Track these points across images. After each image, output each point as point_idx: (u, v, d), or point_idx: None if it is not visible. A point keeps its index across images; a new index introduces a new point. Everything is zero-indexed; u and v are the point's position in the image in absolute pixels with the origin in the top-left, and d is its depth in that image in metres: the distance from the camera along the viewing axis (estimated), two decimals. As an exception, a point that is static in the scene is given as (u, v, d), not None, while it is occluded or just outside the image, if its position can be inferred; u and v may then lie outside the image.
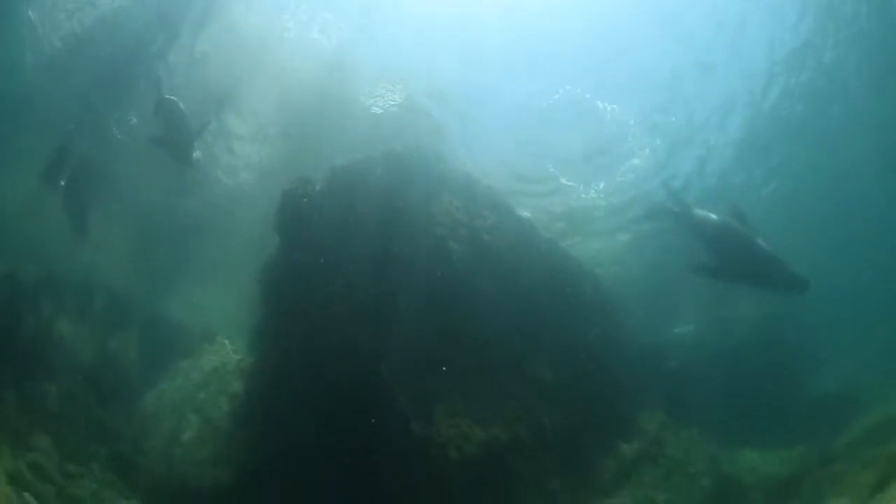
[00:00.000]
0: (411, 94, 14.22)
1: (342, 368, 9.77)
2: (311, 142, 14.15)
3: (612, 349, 12.10)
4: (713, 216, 9.52)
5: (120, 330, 14.09)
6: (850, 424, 10.95)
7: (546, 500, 9.49)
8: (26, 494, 8.59)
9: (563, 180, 16.41)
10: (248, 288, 11.35)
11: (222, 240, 16.28)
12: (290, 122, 14.64)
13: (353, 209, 10.99)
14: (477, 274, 10.75)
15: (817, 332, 15.49)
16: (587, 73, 15.03)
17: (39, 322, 12.43)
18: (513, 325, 10.67)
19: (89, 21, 13.05)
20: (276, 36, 13.65)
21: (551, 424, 10.13)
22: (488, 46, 14.00)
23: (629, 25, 14.13)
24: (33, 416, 10.62)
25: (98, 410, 11.78)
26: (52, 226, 14.37)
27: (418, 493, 8.91)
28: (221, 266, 16.54)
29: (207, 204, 15.70)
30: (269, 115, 14.80)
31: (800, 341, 15.33)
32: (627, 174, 16.84)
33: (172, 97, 11.11)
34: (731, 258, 9.08)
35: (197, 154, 11.21)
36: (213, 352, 13.35)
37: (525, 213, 13.04)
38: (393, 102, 14.18)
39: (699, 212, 9.77)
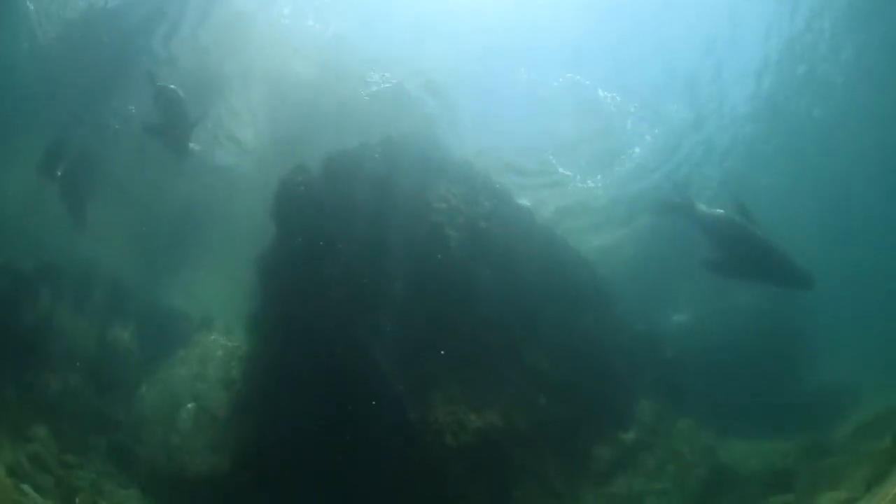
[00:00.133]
0: (408, 82, 14.07)
1: (339, 356, 9.79)
2: (308, 130, 14.05)
3: (609, 337, 12.10)
4: (720, 212, 9.54)
5: (118, 319, 14.10)
6: (847, 418, 10.97)
7: (542, 488, 9.56)
8: (25, 486, 8.61)
9: (562, 170, 16.28)
10: (245, 275, 11.34)
11: (220, 227, 16.29)
12: (287, 111, 14.53)
13: (349, 196, 10.97)
14: (474, 261, 10.76)
15: (816, 325, 15.48)
16: (587, 61, 14.87)
17: (38, 313, 12.44)
18: (510, 313, 10.67)
19: (85, 11, 12.88)
20: (272, 23, 13.44)
21: (548, 412, 10.17)
22: (486, 33, 13.87)
23: (630, 13, 13.92)
24: (32, 407, 10.67)
25: (97, 400, 11.83)
26: (49, 217, 14.32)
27: (415, 480, 8.96)
28: (219, 254, 16.56)
29: (205, 192, 15.64)
30: (265, 103, 14.68)
31: (798, 333, 15.33)
32: (627, 163, 16.74)
33: (172, 85, 11.00)
34: (739, 254, 9.11)
35: (192, 144, 11.16)
36: (211, 340, 13.35)
37: (523, 201, 12.96)
38: (390, 90, 14.03)
39: (706, 208, 9.78)
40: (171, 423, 11.51)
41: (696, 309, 16.84)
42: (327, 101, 14.09)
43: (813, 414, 11.49)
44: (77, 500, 8.94)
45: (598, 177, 16.75)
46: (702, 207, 9.89)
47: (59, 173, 13.42)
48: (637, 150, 16.65)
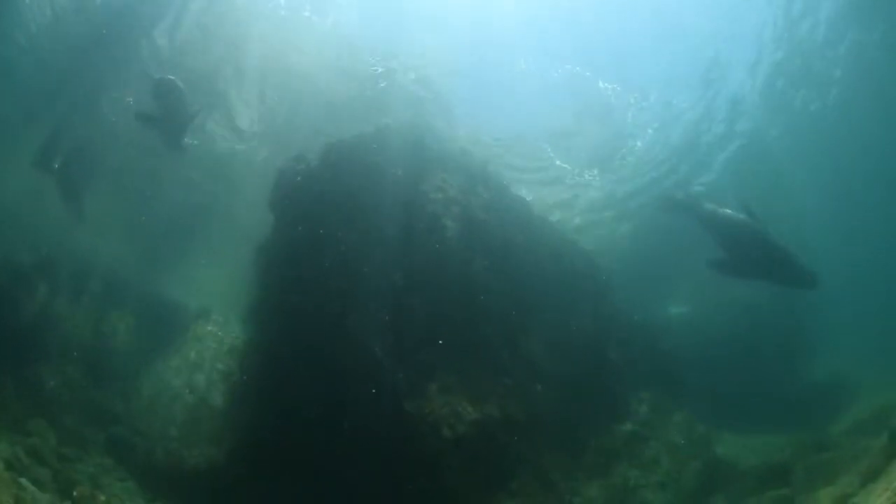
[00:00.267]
0: (406, 73, 13.92)
1: (336, 346, 9.78)
2: (305, 120, 13.93)
3: (605, 328, 12.09)
4: (727, 211, 9.49)
5: (116, 311, 14.10)
6: (844, 414, 10.97)
7: (539, 480, 9.59)
8: (23, 480, 8.62)
9: (559, 162, 16.12)
10: (242, 266, 11.31)
11: (217, 218, 16.22)
12: (285, 102, 14.40)
13: (347, 187, 10.92)
14: (471, 251, 10.71)
15: (815, 320, 15.45)
16: (588, 52, 14.60)
17: (36, 307, 12.43)
18: (507, 303, 10.64)
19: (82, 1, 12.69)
20: (269, 15, 13.29)
21: (544, 403, 10.17)
22: (485, 24, 13.67)
23: (631, 3, 13.67)
24: (30, 401, 10.70)
25: (94, 393, 11.87)
26: (47, 210, 14.25)
27: (411, 471, 8.97)
28: (216, 244, 16.51)
29: (203, 183, 15.55)
30: (263, 94, 14.55)
31: (797, 328, 15.32)
32: (628, 156, 16.57)
33: (171, 77, 10.88)
34: (746, 254, 9.08)
35: (188, 139, 11.08)
36: (208, 331, 13.35)
37: (520, 192, 12.88)
38: (388, 81, 13.86)
39: (712, 207, 9.72)
40: (168, 416, 11.57)
41: (695, 302, 16.84)
42: (325, 91, 13.97)
43: (810, 409, 11.48)
44: (75, 494, 8.93)
45: (595, 171, 16.59)
46: (708, 206, 9.82)
47: (56, 166, 13.32)
48: (639, 143, 16.48)
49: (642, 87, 15.50)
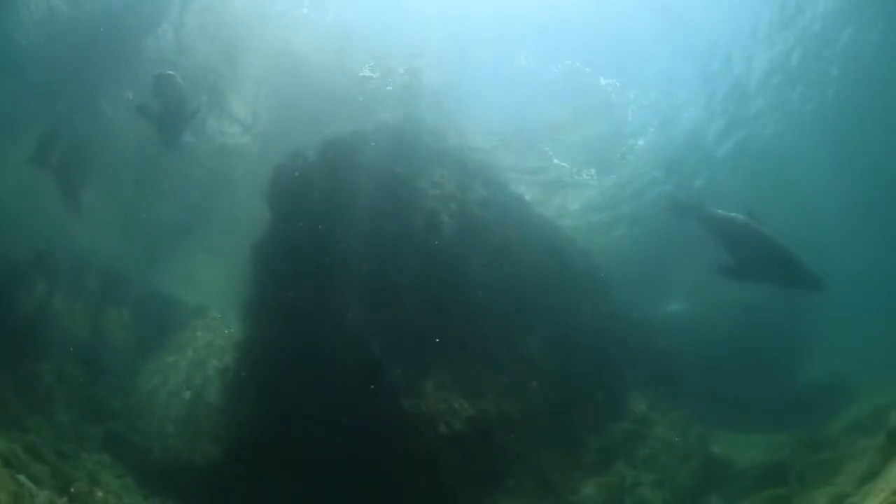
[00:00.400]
0: (404, 68, 13.83)
1: (333, 343, 9.77)
2: (303, 116, 13.88)
3: (603, 326, 12.06)
4: (733, 215, 9.51)
5: (113, 307, 14.11)
6: (842, 413, 10.94)
7: (535, 477, 9.60)
8: (21, 477, 8.63)
9: (557, 161, 16.02)
10: (240, 262, 11.29)
11: (215, 214, 16.20)
12: (283, 98, 14.36)
13: (345, 183, 10.89)
14: (468, 247, 10.70)
15: (814, 320, 15.42)
16: (588, 48, 14.47)
17: (33, 303, 12.42)
18: (504, 300, 10.63)
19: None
20: (266, 11, 13.21)
21: (541, 401, 10.17)
22: (484, 19, 13.56)
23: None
24: (28, 398, 10.71)
25: (92, 389, 11.88)
26: (44, 206, 14.24)
27: (407, 467, 8.98)
28: (215, 240, 16.49)
29: (201, 178, 15.53)
30: (261, 91, 14.51)
31: (794, 327, 15.29)
32: (628, 155, 16.48)
33: (171, 72, 10.85)
34: (752, 257, 9.10)
35: (186, 137, 11.09)
36: (206, 327, 13.34)
37: (518, 189, 12.84)
38: (386, 77, 13.78)
39: (718, 211, 9.71)
40: (166, 412, 11.57)
41: (693, 300, 16.79)
42: (323, 88, 13.90)
43: (808, 408, 11.45)
44: (72, 490, 8.95)
45: (593, 171, 16.50)
46: (713, 210, 9.81)
47: (54, 161, 13.30)
48: (639, 142, 16.38)
49: (642, 84, 15.43)
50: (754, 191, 16.24)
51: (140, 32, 13.08)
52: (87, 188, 14.16)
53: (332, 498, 9.21)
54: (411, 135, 11.81)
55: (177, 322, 13.89)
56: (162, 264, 16.76)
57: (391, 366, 9.67)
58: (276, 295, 10.72)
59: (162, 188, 15.52)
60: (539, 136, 15.63)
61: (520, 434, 9.72)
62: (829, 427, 10.29)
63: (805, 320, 15.23)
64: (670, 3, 13.53)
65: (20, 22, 12.48)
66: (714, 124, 16.08)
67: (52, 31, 12.73)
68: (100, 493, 9.06)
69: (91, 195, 14.48)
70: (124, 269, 15.38)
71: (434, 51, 13.77)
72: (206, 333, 13.10)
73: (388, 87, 13.70)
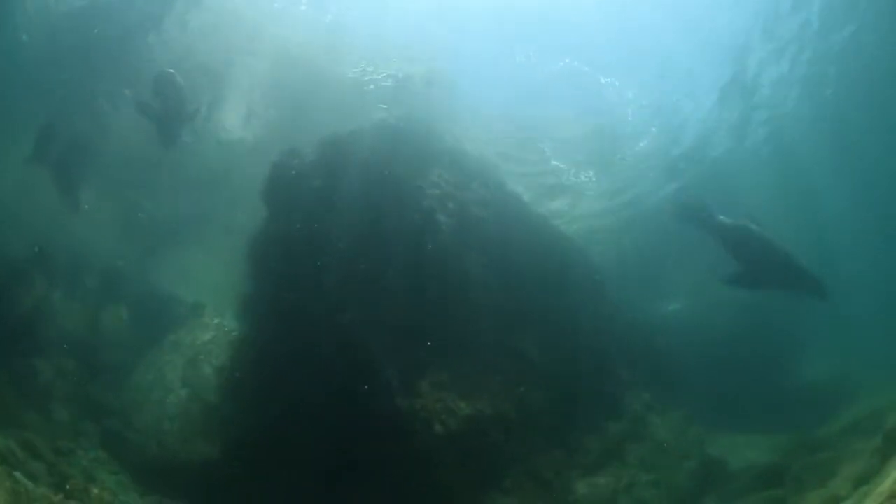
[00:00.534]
0: (402, 67, 13.82)
1: (329, 341, 9.76)
2: (301, 114, 13.87)
3: (600, 326, 12.05)
4: (739, 222, 9.53)
5: (111, 304, 14.10)
6: (838, 414, 10.92)
7: (531, 477, 9.59)
8: (17, 473, 8.64)
9: (555, 162, 15.92)
10: (237, 260, 11.28)
11: (213, 211, 16.19)
12: (281, 95, 14.35)
13: (342, 181, 10.87)
14: (465, 247, 10.69)
15: (810, 320, 15.39)
16: (589, 46, 14.38)
17: (30, 300, 12.42)
18: (501, 299, 10.61)
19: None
20: (264, 8, 13.16)
21: (537, 400, 10.15)
22: (482, 17, 13.51)
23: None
24: (25, 394, 10.72)
25: (89, 386, 11.87)
26: (41, 202, 14.23)
27: (403, 467, 8.98)
28: (212, 238, 16.47)
29: (199, 176, 15.51)
30: (259, 88, 14.48)
31: (792, 328, 15.26)
32: (627, 155, 16.38)
33: (171, 70, 10.85)
34: (758, 264, 9.13)
35: (184, 137, 11.11)
36: (203, 324, 13.34)
37: (516, 189, 12.80)
38: (383, 75, 13.76)
39: (724, 218, 9.71)
40: (162, 410, 11.57)
41: (690, 300, 16.75)
42: (321, 86, 13.88)
43: (805, 410, 11.43)
44: (68, 487, 8.96)
45: (591, 172, 16.42)
46: (719, 217, 9.81)
47: (52, 158, 13.29)
48: (639, 143, 16.28)
49: (642, 83, 15.37)
50: (754, 191, 16.22)
51: (139, 30, 13.06)
52: (85, 185, 14.15)
53: (327, 497, 9.23)
54: (409, 133, 11.79)
55: (174, 320, 13.89)
56: (159, 262, 16.74)
57: (387, 365, 9.68)
58: (272, 293, 10.73)
59: (160, 186, 15.52)
60: (537, 135, 15.57)
61: (516, 434, 9.72)
62: (826, 428, 10.28)
63: (803, 321, 15.21)
64: (670, 2, 13.51)
65: (19, 19, 12.46)
66: (714, 125, 16.02)
67: (51, 28, 12.71)
68: (95, 491, 9.07)
69: (89, 192, 14.47)
70: (122, 266, 15.36)
71: (432, 49, 13.76)
72: (203, 331, 13.10)
73: (385, 86, 13.67)
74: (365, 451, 9.13)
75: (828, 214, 18.19)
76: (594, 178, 16.59)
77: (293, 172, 11.18)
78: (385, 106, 12.92)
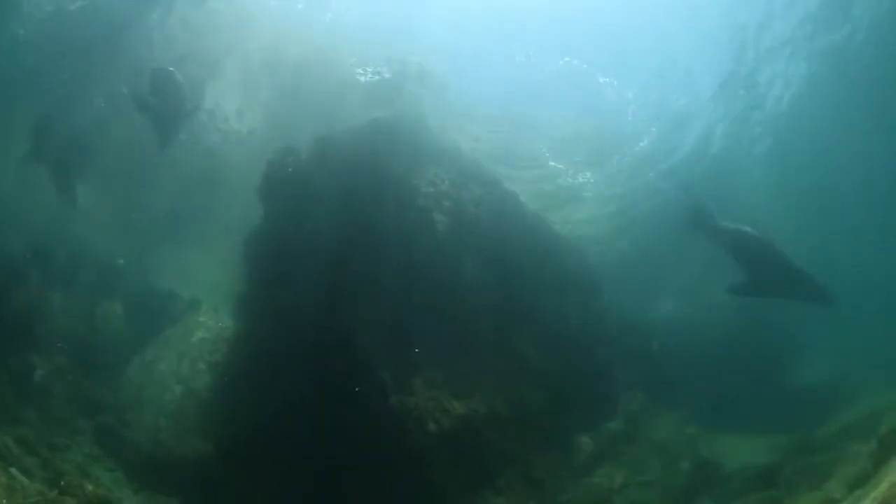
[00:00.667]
0: (400, 65, 13.75)
1: (323, 340, 9.76)
2: (297, 112, 13.82)
3: (595, 326, 12.00)
4: (745, 230, 9.45)
5: (107, 300, 14.13)
6: (833, 417, 10.83)
7: (524, 477, 9.57)
8: (13, 469, 8.68)
9: (553, 163, 15.78)
10: (233, 257, 11.29)
11: (209, 208, 16.18)
12: (278, 94, 14.31)
13: (338, 179, 10.85)
14: (461, 246, 10.68)
15: (807, 321, 15.26)
16: (588, 45, 14.24)
17: (27, 296, 12.48)
18: (495, 299, 10.59)
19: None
20: (261, 6, 13.14)
21: (531, 400, 10.14)
22: (481, 15, 13.43)
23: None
24: (20, 390, 10.77)
25: (84, 382, 11.92)
26: (38, 198, 14.26)
27: (396, 465, 8.97)
28: (208, 234, 16.48)
29: (195, 173, 15.50)
30: (256, 86, 14.44)
31: (787, 330, 15.14)
32: (628, 156, 16.23)
33: (170, 68, 10.84)
34: (765, 274, 9.08)
35: (180, 134, 11.11)
36: (198, 321, 13.33)
37: (513, 189, 12.72)
38: (381, 74, 13.70)
39: (730, 225, 9.64)
40: (157, 406, 11.61)
41: (686, 301, 16.61)
42: (318, 84, 13.82)
43: (799, 411, 11.34)
44: (62, 483, 8.99)
45: (588, 174, 16.30)
46: (727, 225, 9.72)
47: (49, 154, 13.31)
48: (639, 143, 16.10)
49: (642, 83, 15.24)
50: (754, 191, 16.09)
51: (136, 27, 13.03)
52: (82, 181, 14.16)
53: (321, 494, 9.24)
54: (406, 132, 11.76)
55: (169, 316, 13.90)
56: (156, 258, 16.76)
57: (381, 363, 9.66)
58: (268, 291, 10.72)
59: (157, 183, 15.52)
60: (535, 134, 15.44)
61: (510, 433, 9.71)
62: (821, 430, 10.19)
63: (800, 322, 15.08)
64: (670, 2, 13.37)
65: (15, 16, 12.46)
66: (714, 124, 15.88)
67: (48, 25, 12.70)
68: (90, 487, 9.06)
69: (86, 188, 14.48)
70: (118, 262, 15.39)
71: (430, 48, 13.67)
72: (199, 328, 13.10)
73: (383, 85, 13.59)
74: (358, 448, 9.14)
75: (827, 214, 18.00)
76: (592, 180, 16.45)
77: (289, 170, 11.16)
78: (381, 104, 12.84)
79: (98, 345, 13.10)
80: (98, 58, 12.96)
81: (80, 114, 13.71)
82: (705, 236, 10.27)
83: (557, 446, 9.92)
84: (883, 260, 19.04)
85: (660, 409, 10.68)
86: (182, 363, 12.16)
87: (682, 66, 14.78)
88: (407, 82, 13.20)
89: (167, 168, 14.46)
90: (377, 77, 13.50)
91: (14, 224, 13.80)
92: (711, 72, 14.53)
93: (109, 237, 15.99)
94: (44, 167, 13.30)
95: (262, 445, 9.69)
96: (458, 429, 9.35)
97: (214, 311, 13.66)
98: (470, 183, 11.46)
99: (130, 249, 15.96)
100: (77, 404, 11.43)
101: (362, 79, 13.58)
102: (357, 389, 9.50)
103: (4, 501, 7.37)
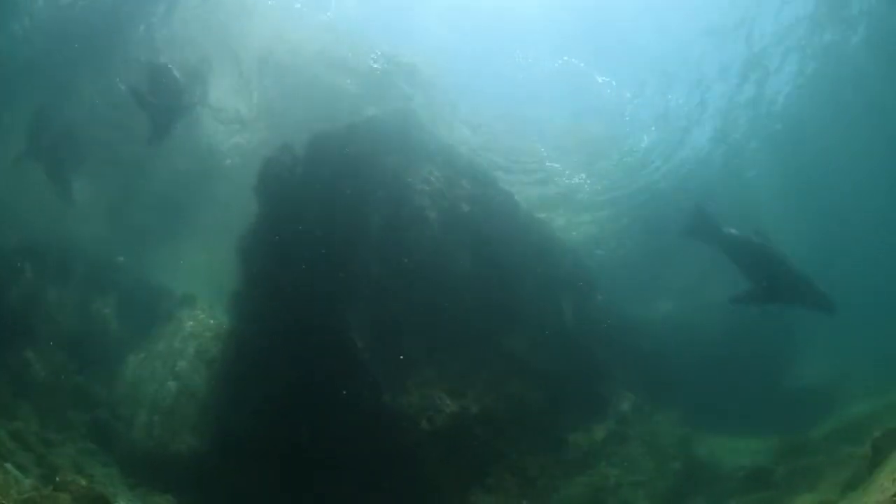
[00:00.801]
0: (397, 64, 13.72)
1: (317, 337, 9.76)
2: (296, 110, 13.79)
3: (588, 326, 11.98)
4: (749, 237, 9.40)
5: (102, 296, 14.12)
6: (828, 419, 10.80)
7: (516, 475, 9.55)
8: (7, 465, 8.70)
9: (549, 163, 15.70)
10: (228, 253, 11.28)
11: (205, 205, 16.17)
12: (276, 91, 14.28)
13: (333, 177, 10.85)
14: (454, 244, 10.66)
15: (803, 324, 15.21)
16: (586, 44, 14.13)
17: (21, 291, 12.48)
18: (489, 297, 10.57)
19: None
20: (261, 7, 13.10)
21: (524, 399, 10.12)
22: (479, 16, 13.37)
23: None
24: (15, 385, 10.78)
25: (79, 378, 11.93)
26: (32, 194, 14.26)
27: (389, 462, 8.97)
28: (203, 230, 16.48)
29: (191, 169, 15.49)
30: (253, 84, 14.40)
31: (784, 330, 15.07)
32: (626, 156, 16.13)
33: (168, 64, 10.82)
34: (769, 282, 9.03)
35: (176, 130, 11.12)
36: (193, 317, 13.31)
37: (509, 188, 12.68)
38: (377, 73, 13.67)
39: (733, 232, 9.58)
40: (151, 401, 11.60)
41: (681, 302, 16.56)
42: (314, 83, 13.79)
43: (792, 414, 11.31)
44: (57, 479, 9.01)
45: (583, 175, 16.24)
46: (731, 232, 9.67)
47: (45, 150, 13.28)
48: (638, 143, 16.03)
49: (641, 82, 15.15)
50: (753, 191, 16.03)
51: (134, 22, 13.00)
52: (78, 177, 14.15)
53: (314, 491, 9.26)
54: (402, 130, 11.74)
55: (164, 312, 13.88)
56: (150, 254, 16.75)
57: (375, 360, 9.66)
58: (262, 287, 10.71)
59: (152, 178, 15.51)
60: (533, 134, 15.37)
61: (502, 432, 9.70)
62: (815, 432, 10.16)
63: (796, 324, 15.02)
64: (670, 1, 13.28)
65: (12, 10, 12.43)
66: (715, 124, 15.77)
67: (44, 20, 12.68)
68: (84, 482, 9.06)
69: (81, 184, 14.48)
70: (113, 258, 15.39)
71: (428, 46, 13.62)
72: (193, 324, 13.09)
73: (380, 83, 13.55)
74: (351, 445, 9.14)
75: (827, 214, 17.95)
76: (589, 180, 16.39)
77: (284, 168, 11.14)
78: (378, 103, 12.81)
79: (93, 340, 13.09)
80: (95, 53, 12.95)
81: (76, 109, 13.72)
82: (707, 243, 10.21)
83: (550, 445, 9.90)
84: (885, 260, 18.98)
85: (654, 408, 10.66)
86: (177, 359, 12.14)
87: (681, 66, 14.68)
88: (404, 81, 13.15)
89: (163, 164, 14.46)
90: (375, 75, 13.44)
91: (9, 220, 13.81)
92: (711, 71, 14.44)
93: (105, 233, 16.00)
94: (40, 164, 13.30)
95: (256, 442, 9.70)
96: (450, 427, 9.35)
97: (209, 308, 13.64)
98: (464, 181, 11.44)
99: (126, 246, 15.97)
100: (72, 400, 11.45)
101: (360, 77, 13.52)
102: (349, 388, 9.50)
103: (-1, 497, 7.37)
